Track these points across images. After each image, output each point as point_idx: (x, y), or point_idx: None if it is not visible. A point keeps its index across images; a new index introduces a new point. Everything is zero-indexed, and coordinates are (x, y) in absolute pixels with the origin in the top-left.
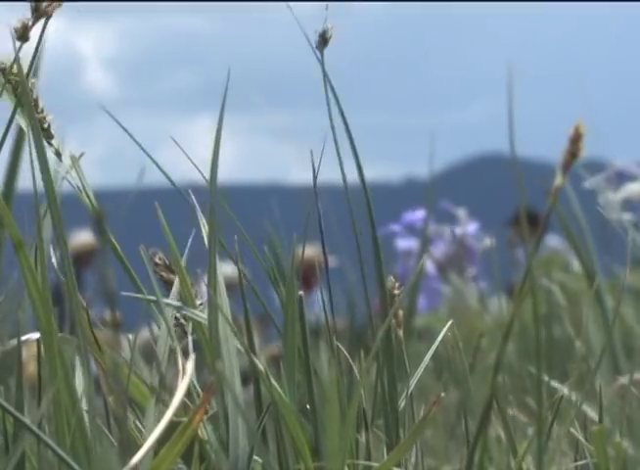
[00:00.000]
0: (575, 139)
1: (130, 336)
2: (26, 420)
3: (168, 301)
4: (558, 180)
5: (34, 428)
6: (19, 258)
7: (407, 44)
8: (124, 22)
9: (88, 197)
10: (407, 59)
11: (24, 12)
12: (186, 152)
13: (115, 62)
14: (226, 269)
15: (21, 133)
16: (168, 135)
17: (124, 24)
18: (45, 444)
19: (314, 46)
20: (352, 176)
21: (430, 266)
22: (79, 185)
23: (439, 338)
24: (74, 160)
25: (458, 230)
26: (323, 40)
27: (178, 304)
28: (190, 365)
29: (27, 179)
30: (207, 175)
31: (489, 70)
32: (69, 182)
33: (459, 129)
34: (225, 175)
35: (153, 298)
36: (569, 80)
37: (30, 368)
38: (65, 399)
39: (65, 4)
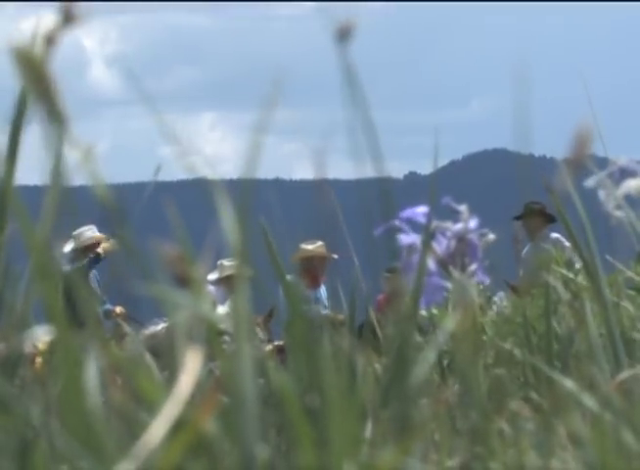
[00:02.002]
0: (582, 143)
1: (140, 331)
2: (34, 411)
3: (179, 297)
4: (565, 183)
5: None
6: (30, 250)
7: (408, 42)
8: (128, 19)
9: (102, 189)
10: (408, 57)
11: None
12: (189, 148)
13: (119, 59)
14: (229, 264)
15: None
16: (172, 132)
17: (128, 21)
18: (48, 440)
19: (338, 35)
20: (351, 173)
21: (430, 262)
22: (93, 177)
23: (443, 332)
24: (88, 152)
25: (460, 226)
26: (345, 32)
27: (189, 300)
28: (196, 361)
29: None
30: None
31: (491, 67)
32: (78, 175)
33: (460, 126)
34: (228, 171)
35: (165, 293)
36: (570, 77)
37: (37, 363)
38: (73, 392)
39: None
